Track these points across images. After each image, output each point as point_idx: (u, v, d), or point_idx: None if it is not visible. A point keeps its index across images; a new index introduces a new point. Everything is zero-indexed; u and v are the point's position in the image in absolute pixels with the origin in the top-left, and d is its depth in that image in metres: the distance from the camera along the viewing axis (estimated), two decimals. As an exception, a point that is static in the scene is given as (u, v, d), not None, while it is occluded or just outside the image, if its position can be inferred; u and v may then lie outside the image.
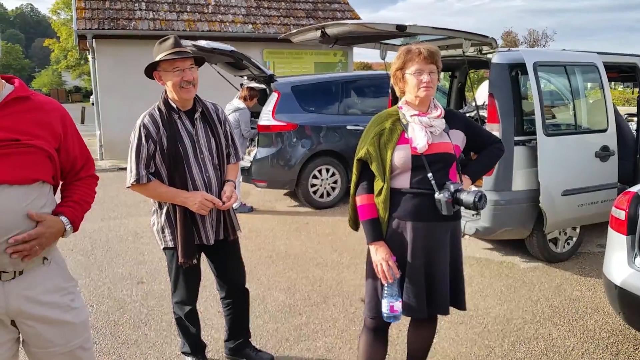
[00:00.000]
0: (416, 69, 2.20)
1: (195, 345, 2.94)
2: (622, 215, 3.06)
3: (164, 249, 2.74)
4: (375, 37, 4.73)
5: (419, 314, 2.28)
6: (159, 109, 2.60)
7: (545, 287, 4.23)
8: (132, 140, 2.57)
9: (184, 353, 2.98)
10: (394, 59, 2.31)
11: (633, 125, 5.64)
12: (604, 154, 4.57)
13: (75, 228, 1.84)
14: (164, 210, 2.66)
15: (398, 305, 2.22)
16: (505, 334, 3.44)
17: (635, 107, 5.38)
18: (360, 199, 2.33)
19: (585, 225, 4.81)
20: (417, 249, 2.26)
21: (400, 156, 2.23)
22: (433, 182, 2.22)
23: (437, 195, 2.21)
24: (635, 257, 2.97)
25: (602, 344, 3.30)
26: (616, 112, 4.94)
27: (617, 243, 3.08)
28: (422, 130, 2.23)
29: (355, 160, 2.35)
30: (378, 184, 2.28)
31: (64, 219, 1.80)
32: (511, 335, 3.42)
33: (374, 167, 2.26)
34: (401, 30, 3.95)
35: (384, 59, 4.95)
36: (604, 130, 4.62)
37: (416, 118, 2.25)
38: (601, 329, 3.50)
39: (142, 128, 2.54)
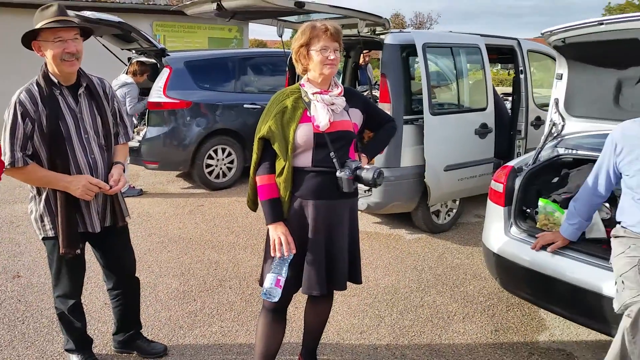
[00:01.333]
0: (322, 46, 2.19)
1: (81, 341, 2.75)
2: (500, 188, 3.28)
3: (44, 239, 2.52)
4: (272, 12, 4.65)
5: (319, 291, 2.31)
6: (38, 84, 2.37)
7: (429, 256, 4.52)
8: (7, 119, 2.32)
9: (67, 350, 2.78)
10: (298, 34, 2.27)
11: (508, 104, 6.14)
12: (483, 131, 4.92)
13: None
14: (43, 196, 2.44)
15: (282, 281, 2.22)
16: (394, 303, 3.63)
17: (510, 87, 5.83)
18: (260, 179, 2.30)
19: (464, 197, 5.19)
20: (318, 227, 2.28)
21: (302, 134, 2.22)
22: (335, 160, 2.24)
23: (338, 173, 2.24)
24: (511, 227, 3.21)
25: (480, 308, 3.60)
26: (494, 92, 5.33)
27: (495, 214, 3.32)
28: (324, 108, 2.23)
29: (256, 139, 2.30)
30: (280, 163, 2.26)
31: None
32: (399, 304, 3.61)
33: (276, 147, 2.24)
34: (299, 7, 3.91)
35: (281, 36, 4.88)
36: (484, 109, 4.97)
37: (318, 96, 2.25)
38: (479, 294, 3.82)
39: (18, 105, 2.31)
